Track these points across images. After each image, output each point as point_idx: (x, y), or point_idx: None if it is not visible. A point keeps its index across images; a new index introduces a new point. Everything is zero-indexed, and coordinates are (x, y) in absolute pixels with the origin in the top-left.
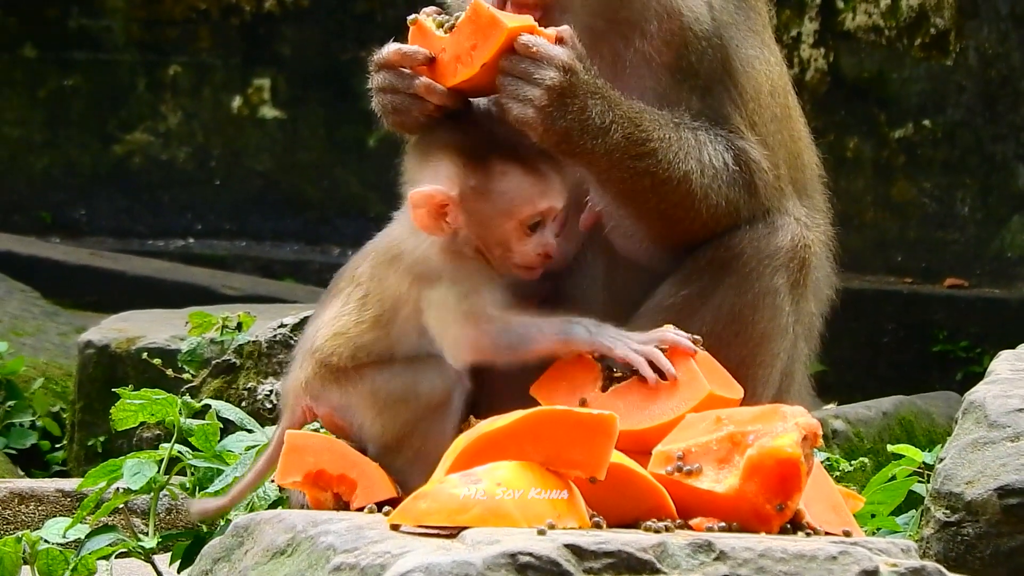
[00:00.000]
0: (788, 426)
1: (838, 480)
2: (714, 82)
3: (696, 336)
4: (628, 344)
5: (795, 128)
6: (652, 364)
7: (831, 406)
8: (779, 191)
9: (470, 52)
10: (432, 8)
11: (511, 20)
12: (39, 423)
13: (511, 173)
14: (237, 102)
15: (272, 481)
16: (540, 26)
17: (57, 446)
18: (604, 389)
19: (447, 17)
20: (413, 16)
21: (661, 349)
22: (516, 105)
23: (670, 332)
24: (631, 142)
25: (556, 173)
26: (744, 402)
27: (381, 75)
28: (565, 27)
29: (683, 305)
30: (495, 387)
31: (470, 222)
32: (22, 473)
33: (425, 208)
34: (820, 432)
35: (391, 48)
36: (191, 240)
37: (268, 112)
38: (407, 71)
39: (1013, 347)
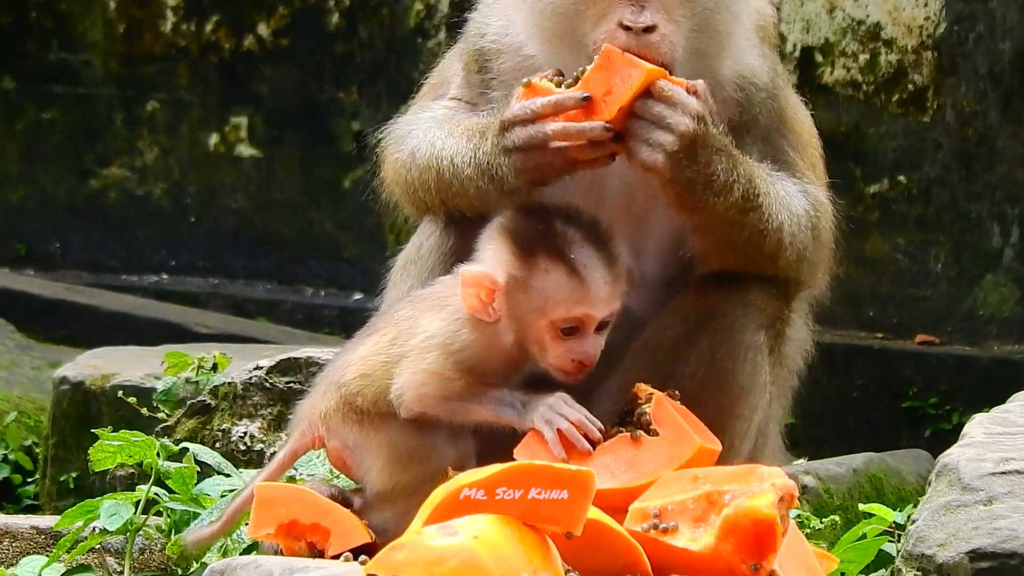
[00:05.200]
0: (765, 487)
1: (808, 537)
2: (771, 130)
3: (674, 391)
4: (551, 423)
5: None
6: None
7: (801, 461)
8: (835, 234)
9: (604, 98)
10: (541, 74)
11: (647, 63)
12: (11, 457)
13: (554, 272)
14: (214, 139)
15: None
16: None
17: (29, 480)
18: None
19: (562, 77)
20: (526, 79)
21: (642, 412)
22: (645, 149)
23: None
24: (745, 199)
25: (608, 284)
26: (721, 455)
27: (517, 132)
28: (700, 80)
29: (670, 345)
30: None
31: (510, 312)
32: None
33: (474, 289)
34: (796, 493)
35: (539, 102)
36: (164, 276)
37: (244, 150)
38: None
39: (982, 405)
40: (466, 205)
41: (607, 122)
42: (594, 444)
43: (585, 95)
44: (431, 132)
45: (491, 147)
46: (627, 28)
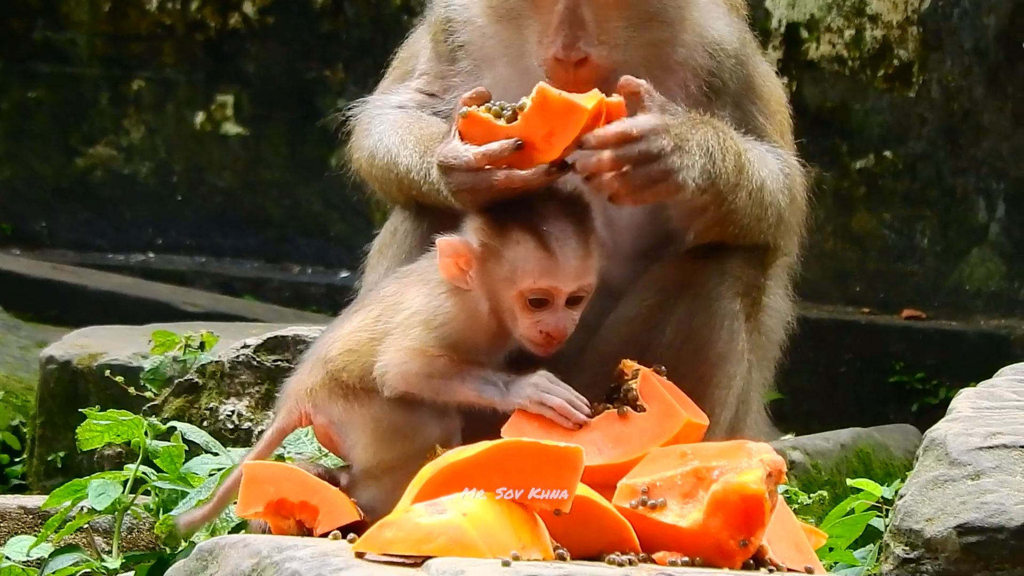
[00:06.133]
0: (753, 462)
1: (796, 512)
2: (741, 97)
3: (660, 367)
4: (542, 403)
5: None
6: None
7: (789, 437)
8: (807, 197)
9: (547, 139)
10: (475, 93)
11: (585, 100)
12: None
13: (524, 244)
14: (200, 118)
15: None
16: (601, 90)
17: (16, 460)
18: (578, 425)
19: (502, 104)
20: (465, 109)
21: (629, 388)
22: (660, 186)
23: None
24: (737, 157)
25: (578, 258)
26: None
27: (457, 176)
28: (630, 81)
29: (647, 315)
30: (465, 420)
31: (482, 281)
32: None
33: (451, 257)
34: (785, 469)
35: (472, 153)
36: (151, 255)
37: (231, 129)
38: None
39: (969, 380)
40: (431, 204)
41: (551, 163)
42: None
43: (518, 143)
44: (387, 135)
45: (438, 177)
46: (560, 61)
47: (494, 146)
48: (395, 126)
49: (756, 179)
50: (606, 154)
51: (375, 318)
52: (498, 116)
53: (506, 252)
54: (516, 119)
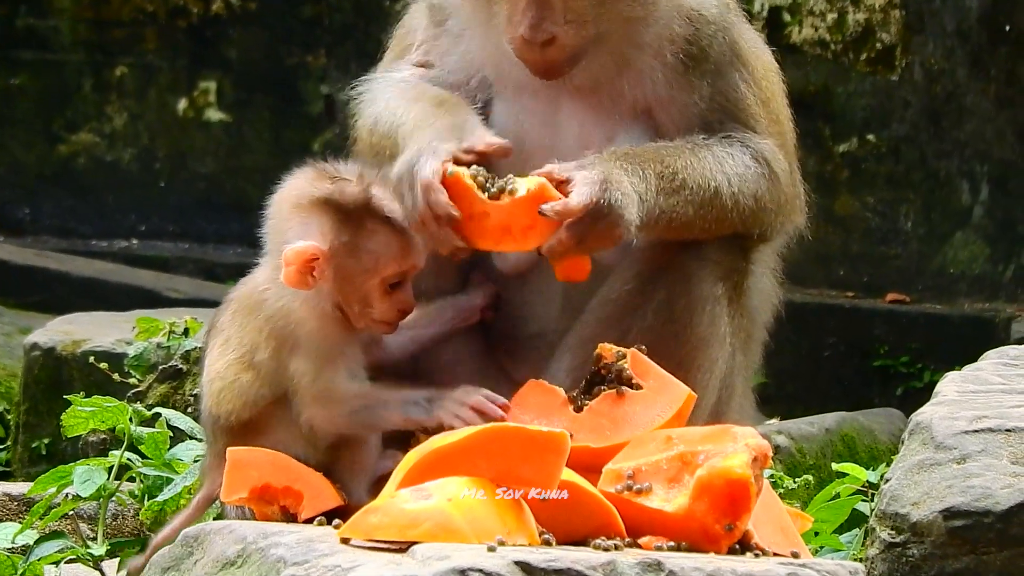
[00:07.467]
0: (738, 447)
1: (782, 497)
2: (724, 64)
3: (641, 346)
4: (456, 413)
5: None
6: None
7: (774, 421)
8: (796, 172)
9: (525, 230)
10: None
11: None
12: None
13: (380, 232)
14: (183, 104)
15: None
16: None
17: (1, 447)
18: (578, 411)
19: (488, 176)
20: (453, 170)
21: (621, 368)
22: (606, 239)
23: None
24: (662, 179)
25: (416, 236)
26: None
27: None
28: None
29: (626, 299)
30: None
31: (335, 277)
32: None
33: (298, 264)
34: (770, 453)
35: (420, 207)
36: (135, 241)
37: (213, 115)
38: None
39: (954, 363)
40: None
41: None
42: (503, 411)
43: (458, 245)
44: (393, 100)
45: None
46: (527, 41)
47: (436, 231)
48: (403, 92)
49: (705, 189)
50: (564, 232)
51: (222, 345)
52: (482, 188)
53: (364, 243)
54: (499, 197)
